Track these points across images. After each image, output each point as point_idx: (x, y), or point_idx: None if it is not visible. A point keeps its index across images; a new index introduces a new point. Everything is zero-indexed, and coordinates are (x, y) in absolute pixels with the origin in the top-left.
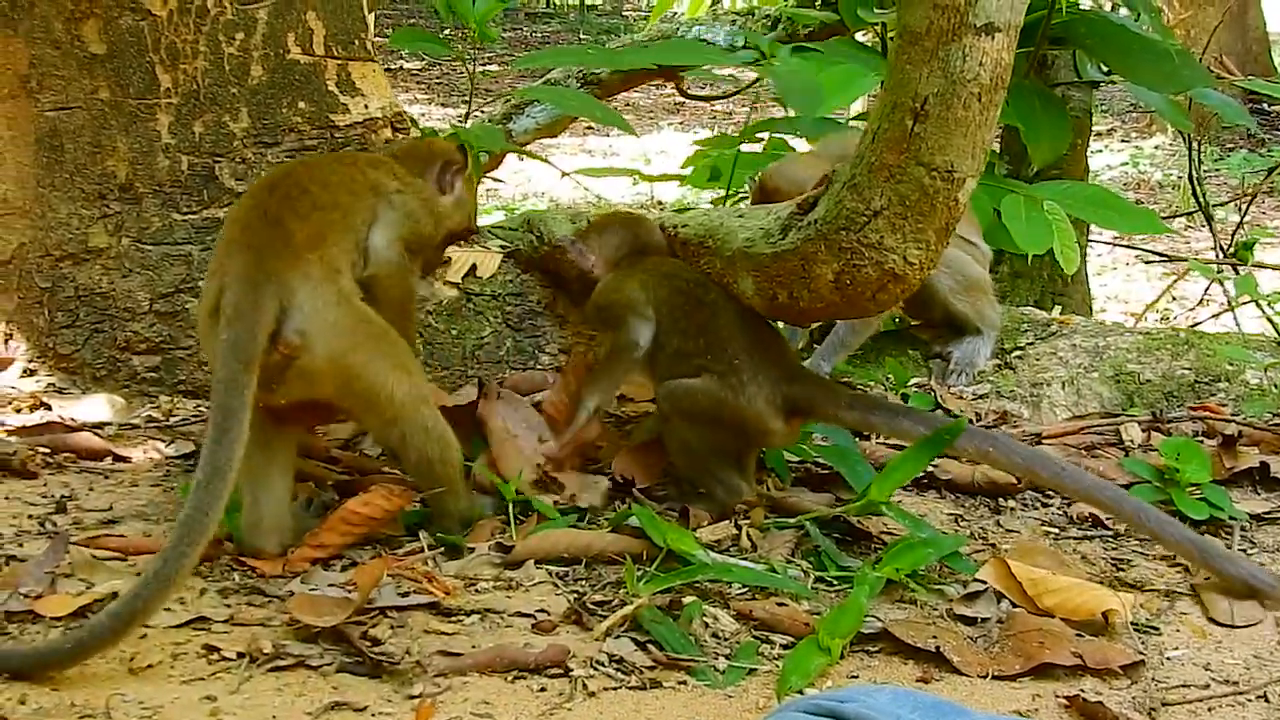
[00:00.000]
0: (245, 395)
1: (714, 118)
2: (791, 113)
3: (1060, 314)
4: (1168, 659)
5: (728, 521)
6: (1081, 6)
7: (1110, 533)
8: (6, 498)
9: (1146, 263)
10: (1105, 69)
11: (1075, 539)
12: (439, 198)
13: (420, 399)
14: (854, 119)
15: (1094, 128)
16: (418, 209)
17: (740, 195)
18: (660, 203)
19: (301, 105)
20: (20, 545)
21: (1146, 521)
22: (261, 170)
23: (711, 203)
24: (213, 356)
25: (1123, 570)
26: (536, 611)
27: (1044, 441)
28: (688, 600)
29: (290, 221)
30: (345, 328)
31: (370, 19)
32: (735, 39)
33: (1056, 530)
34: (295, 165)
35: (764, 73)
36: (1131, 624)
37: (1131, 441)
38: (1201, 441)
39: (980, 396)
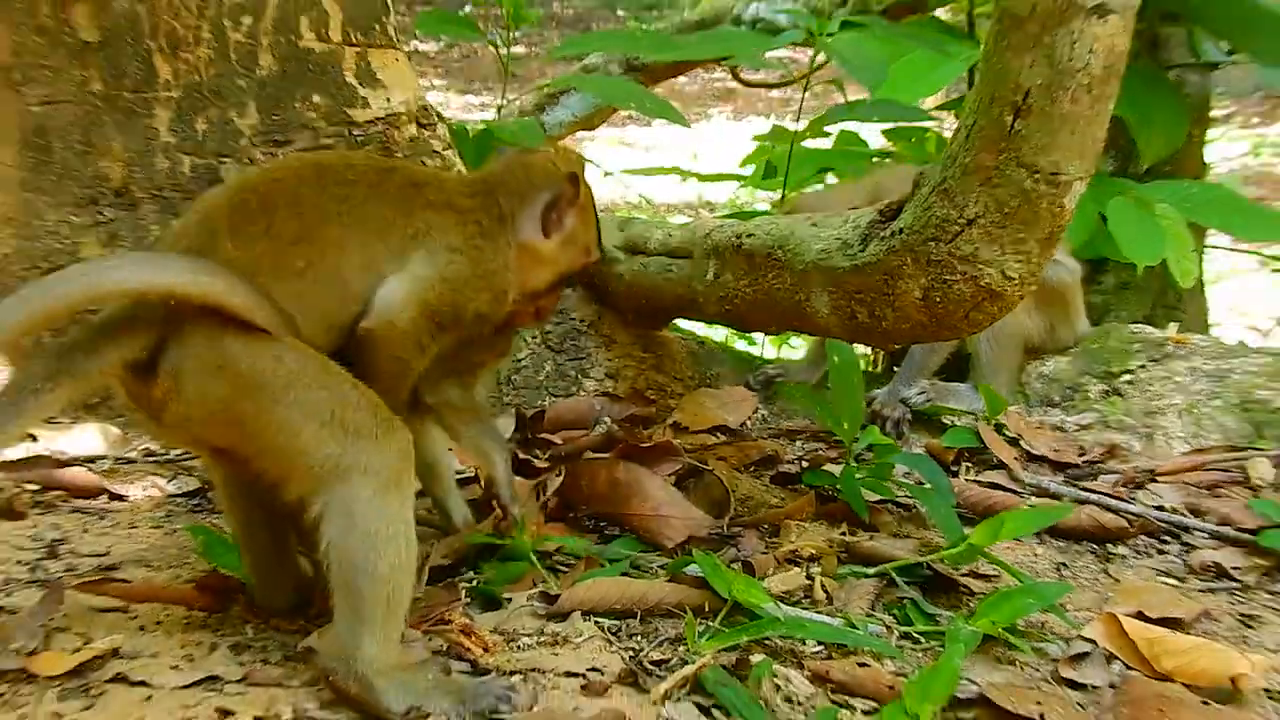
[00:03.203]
0: (28, 404)
1: (771, 105)
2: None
3: (1176, 332)
4: None
5: (798, 570)
6: None
7: (1238, 584)
8: None
9: (1276, 271)
10: (1226, 47)
11: (1197, 592)
12: (539, 242)
13: (353, 470)
14: (937, 109)
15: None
16: (467, 278)
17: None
18: (710, 204)
19: (316, 99)
20: (9, 595)
21: None
22: None
23: (771, 205)
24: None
25: (1253, 627)
26: (587, 671)
27: (1158, 478)
28: (756, 659)
29: (223, 240)
30: (228, 368)
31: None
32: (798, 18)
33: (1175, 581)
34: (313, 170)
35: (821, 46)
36: (1265, 691)
37: (1260, 479)
38: None
39: (1084, 427)
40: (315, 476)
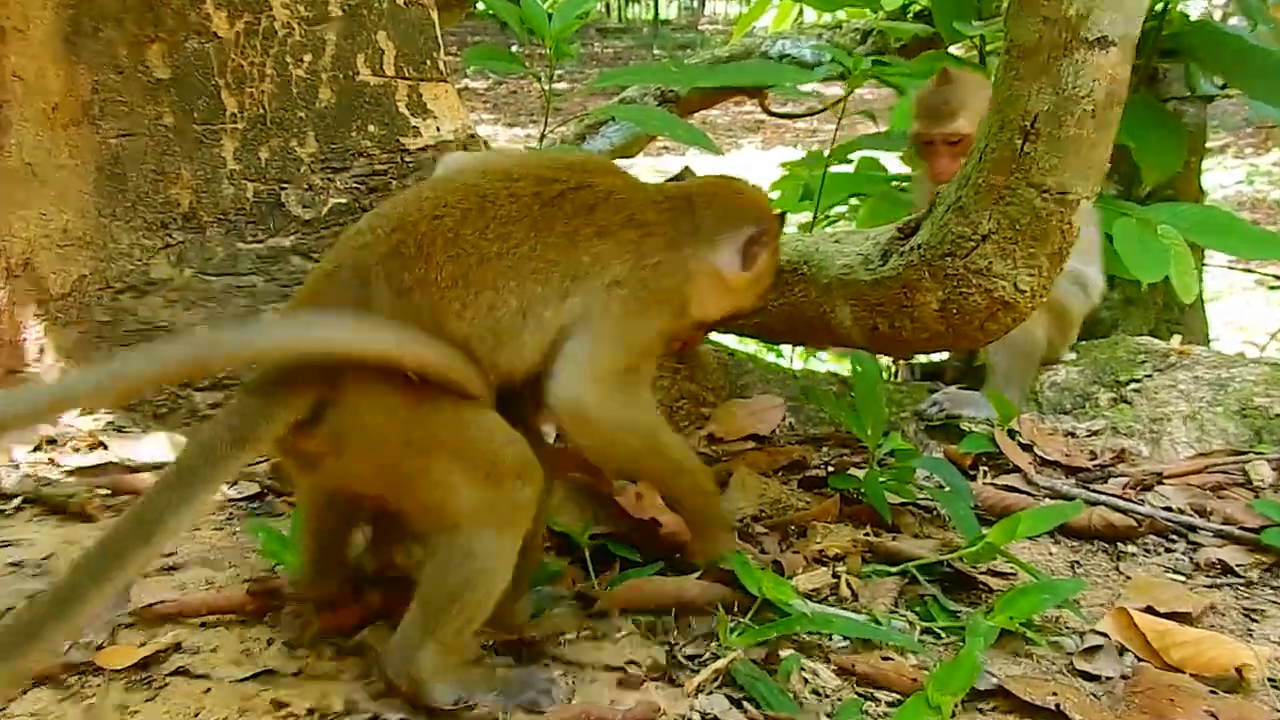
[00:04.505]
0: (215, 470)
1: (797, 136)
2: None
3: (1179, 344)
4: None
5: (825, 569)
6: (1193, 17)
7: (1242, 580)
8: (65, 542)
9: (1271, 288)
10: (1220, 82)
11: (1204, 587)
12: (733, 273)
13: (486, 519)
14: None
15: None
16: (644, 301)
17: (829, 220)
18: None
19: (371, 128)
20: None
21: None
22: (329, 197)
23: (799, 227)
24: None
25: (1256, 621)
26: (626, 664)
27: (1165, 481)
28: (785, 653)
29: (380, 287)
30: (392, 435)
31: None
32: (821, 54)
33: (1183, 578)
34: (477, 205)
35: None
36: (1269, 680)
37: (1261, 481)
38: None
39: (1094, 433)
40: (452, 522)
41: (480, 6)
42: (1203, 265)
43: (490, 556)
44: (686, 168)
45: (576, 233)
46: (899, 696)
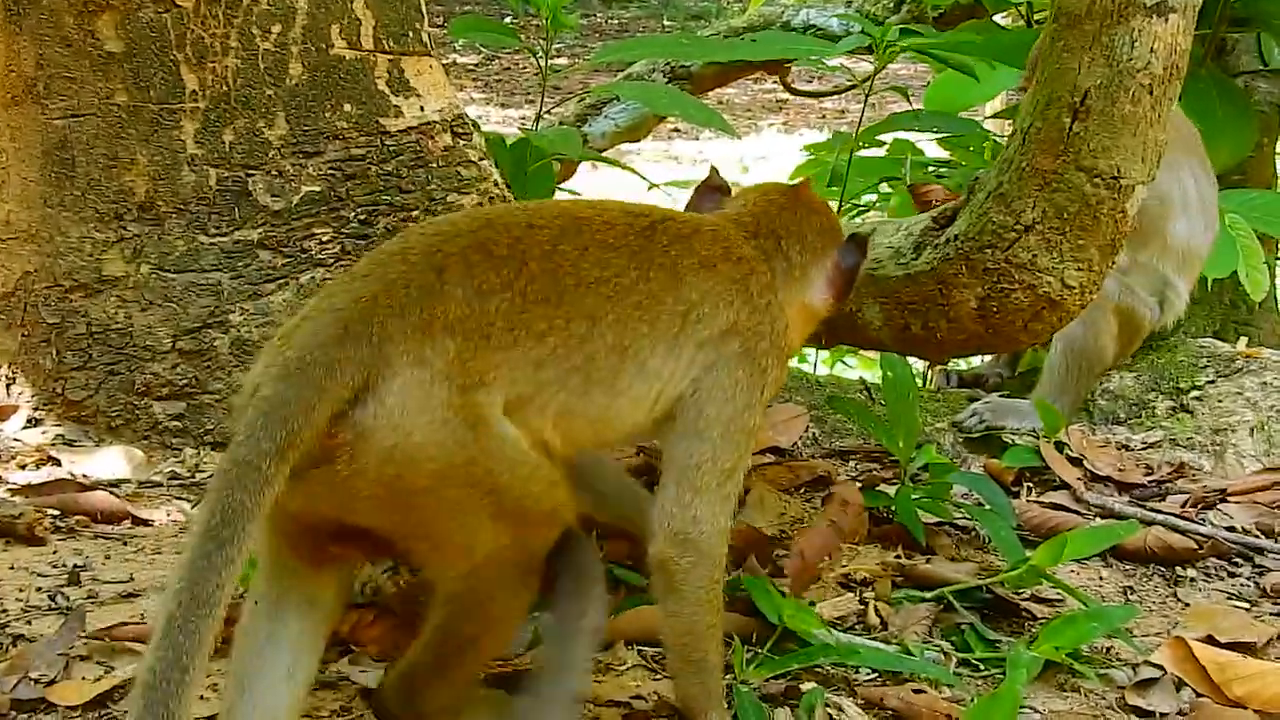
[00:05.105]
0: (261, 494)
1: (823, 116)
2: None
3: (1246, 346)
4: None
5: (851, 594)
6: None
7: None
8: (12, 568)
9: None
10: None
11: (1270, 615)
12: (821, 304)
13: (505, 565)
14: (991, 118)
15: None
16: (761, 376)
17: (858, 208)
18: None
19: (347, 108)
20: (28, 623)
21: None
22: (300, 184)
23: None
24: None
25: None
26: (632, 699)
27: (1229, 498)
28: (807, 687)
29: (452, 285)
30: (433, 454)
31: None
32: (850, 25)
33: (1247, 605)
34: (574, 225)
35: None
36: None
37: None
38: None
39: (1151, 445)
40: (467, 570)
41: None
42: (1275, 259)
43: (508, 604)
44: (713, 168)
45: (678, 264)
46: None
